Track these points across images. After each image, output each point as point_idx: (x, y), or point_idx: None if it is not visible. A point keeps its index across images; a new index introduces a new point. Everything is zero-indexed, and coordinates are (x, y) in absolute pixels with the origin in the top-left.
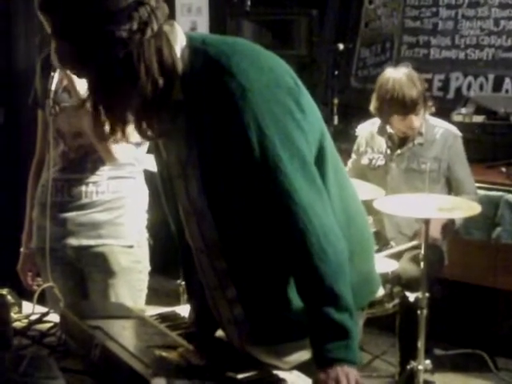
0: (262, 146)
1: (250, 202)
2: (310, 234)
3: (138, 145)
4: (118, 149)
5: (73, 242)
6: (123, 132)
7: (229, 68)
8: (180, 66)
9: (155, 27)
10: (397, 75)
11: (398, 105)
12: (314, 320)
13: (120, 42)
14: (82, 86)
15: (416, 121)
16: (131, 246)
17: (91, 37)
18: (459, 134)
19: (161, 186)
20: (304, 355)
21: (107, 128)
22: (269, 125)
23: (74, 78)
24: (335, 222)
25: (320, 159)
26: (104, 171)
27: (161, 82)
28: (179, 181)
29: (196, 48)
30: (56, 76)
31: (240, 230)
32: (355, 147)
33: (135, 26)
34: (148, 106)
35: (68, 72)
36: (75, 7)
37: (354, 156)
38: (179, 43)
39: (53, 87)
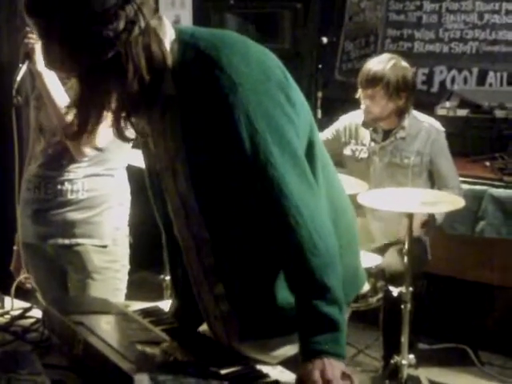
0: (253, 141)
1: (240, 196)
2: (301, 229)
3: (100, 150)
4: (87, 144)
5: (50, 240)
6: (94, 129)
7: (219, 62)
8: (170, 60)
9: (142, 24)
10: (383, 55)
11: (362, 75)
12: (303, 312)
13: (107, 41)
14: (50, 78)
15: (373, 106)
16: (106, 246)
17: (78, 38)
18: (442, 129)
19: (148, 181)
20: (290, 350)
21: (79, 128)
22: (260, 119)
23: (42, 70)
24: (326, 215)
25: (309, 153)
26: (80, 169)
27: (147, 79)
28: (168, 175)
29: (186, 41)
30: (23, 68)
31: (230, 226)
32: (334, 131)
33: (122, 25)
34: (137, 101)
35: (36, 65)
36: (61, 9)
37: (328, 135)
38: (168, 37)
39: (18, 78)
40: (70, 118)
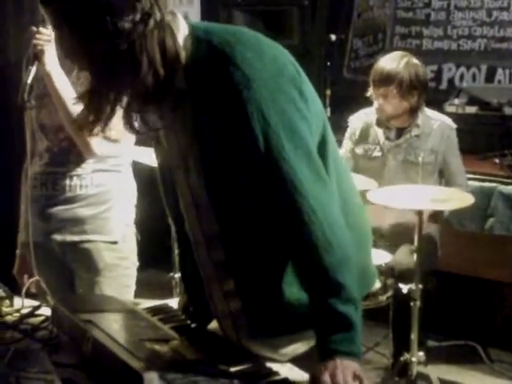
0: (266, 137)
1: (253, 193)
2: (315, 226)
3: (116, 141)
4: (97, 142)
5: (58, 237)
6: (106, 123)
7: (233, 58)
8: (183, 55)
9: (158, 18)
10: (395, 53)
11: (375, 73)
12: (318, 311)
13: (123, 33)
14: (59, 79)
15: (386, 104)
16: (116, 242)
17: (94, 28)
18: (454, 126)
19: (160, 177)
20: (299, 348)
21: (92, 119)
22: (273, 115)
23: (51, 72)
24: (340, 212)
25: (321, 150)
26: (88, 164)
27: (162, 72)
28: (180, 172)
29: (199, 37)
30: (33, 70)
31: (241, 222)
32: (348, 135)
33: (138, 17)
34: (149, 96)
35: (45, 66)
36: None
37: (349, 144)
38: (182, 32)
39: (29, 81)
40: (80, 110)
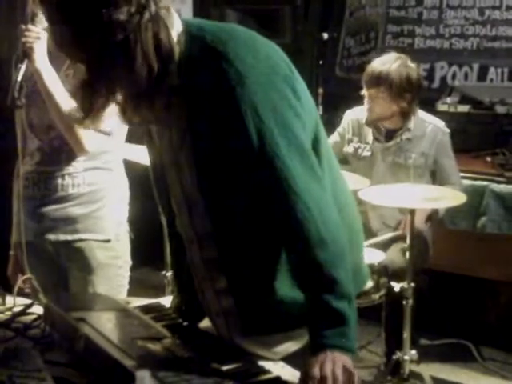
0: (260, 134)
1: (246, 190)
2: (309, 223)
3: (108, 133)
4: (89, 139)
5: (51, 236)
6: (97, 116)
7: (226, 55)
8: (177, 52)
9: (153, 11)
10: (390, 55)
11: (366, 74)
12: (312, 307)
13: (118, 25)
14: (49, 76)
15: (376, 106)
16: (109, 241)
17: (89, 20)
18: (447, 130)
19: (153, 176)
20: (292, 346)
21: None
22: (266, 112)
23: (41, 69)
24: (334, 209)
25: (315, 148)
26: (80, 162)
27: (156, 67)
28: (172, 169)
29: (193, 34)
30: (23, 67)
31: (234, 220)
32: (340, 129)
33: (133, 9)
34: (142, 90)
35: (35, 63)
36: None
37: (337, 137)
38: (176, 28)
39: (19, 79)
40: (71, 106)
